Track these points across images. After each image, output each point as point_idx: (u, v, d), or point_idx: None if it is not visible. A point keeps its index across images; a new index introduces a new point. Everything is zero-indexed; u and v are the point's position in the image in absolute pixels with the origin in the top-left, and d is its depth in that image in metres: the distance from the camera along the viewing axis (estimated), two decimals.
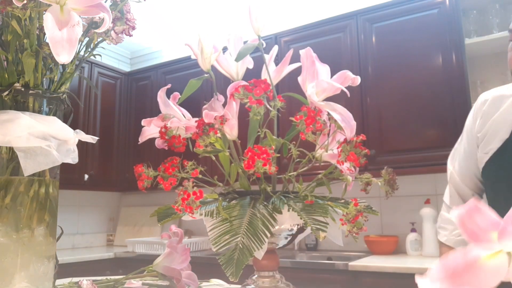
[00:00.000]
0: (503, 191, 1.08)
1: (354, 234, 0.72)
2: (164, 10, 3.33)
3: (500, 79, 2.48)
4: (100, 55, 0.79)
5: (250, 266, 0.75)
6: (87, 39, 0.73)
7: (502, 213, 0.34)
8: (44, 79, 0.68)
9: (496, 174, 1.09)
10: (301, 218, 0.72)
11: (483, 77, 2.57)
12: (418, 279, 0.36)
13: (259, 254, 0.69)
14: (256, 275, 0.84)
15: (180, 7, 3.30)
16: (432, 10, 2.52)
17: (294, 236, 0.83)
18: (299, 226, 0.79)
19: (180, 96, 0.90)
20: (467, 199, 1.08)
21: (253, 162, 0.67)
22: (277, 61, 0.90)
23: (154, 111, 3.33)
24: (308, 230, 0.82)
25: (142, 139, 0.89)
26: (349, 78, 0.82)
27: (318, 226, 0.70)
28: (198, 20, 3.48)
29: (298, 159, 0.78)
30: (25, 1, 0.57)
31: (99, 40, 0.74)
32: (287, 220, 0.75)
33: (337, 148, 0.82)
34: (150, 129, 0.88)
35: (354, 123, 0.79)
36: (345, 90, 0.79)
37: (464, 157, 1.21)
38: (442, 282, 0.35)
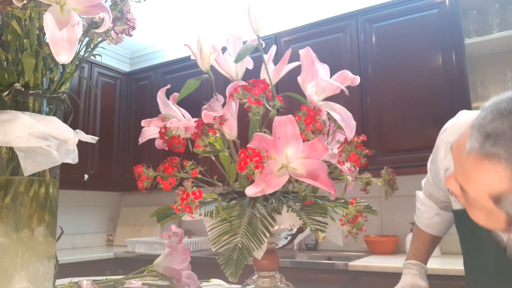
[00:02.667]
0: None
1: (354, 235, 0.72)
2: (165, 9, 3.33)
3: (500, 79, 2.48)
4: (100, 55, 0.79)
5: (250, 266, 0.75)
6: (87, 39, 0.73)
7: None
8: (44, 79, 0.68)
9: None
10: (300, 219, 0.72)
11: (483, 77, 2.57)
12: (247, 190, 0.67)
13: (259, 254, 0.69)
14: (256, 275, 0.84)
15: (180, 7, 3.30)
16: (432, 10, 2.51)
17: (293, 236, 0.83)
18: (298, 226, 0.79)
19: None
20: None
21: (245, 164, 0.67)
22: (277, 61, 0.90)
23: (154, 111, 3.33)
24: (308, 230, 0.82)
25: (142, 139, 0.89)
26: (349, 78, 0.82)
27: (317, 227, 0.70)
28: (198, 20, 3.48)
29: None
30: (25, 1, 0.57)
31: (99, 40, 0.74)
32: (287, 220, 0.75)
33: (338, 148, 0.82)
34: (150, 130, 0.88)
35: (353, 123, 0.79)
36: (344, 89, 0.79)
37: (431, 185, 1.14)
38: (260, 185, 0.67)
